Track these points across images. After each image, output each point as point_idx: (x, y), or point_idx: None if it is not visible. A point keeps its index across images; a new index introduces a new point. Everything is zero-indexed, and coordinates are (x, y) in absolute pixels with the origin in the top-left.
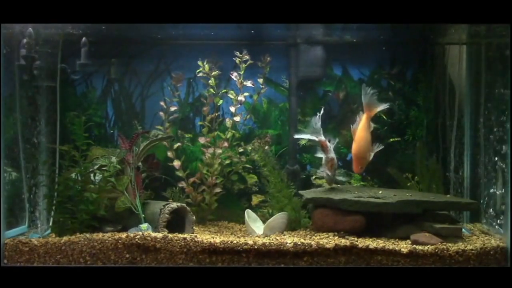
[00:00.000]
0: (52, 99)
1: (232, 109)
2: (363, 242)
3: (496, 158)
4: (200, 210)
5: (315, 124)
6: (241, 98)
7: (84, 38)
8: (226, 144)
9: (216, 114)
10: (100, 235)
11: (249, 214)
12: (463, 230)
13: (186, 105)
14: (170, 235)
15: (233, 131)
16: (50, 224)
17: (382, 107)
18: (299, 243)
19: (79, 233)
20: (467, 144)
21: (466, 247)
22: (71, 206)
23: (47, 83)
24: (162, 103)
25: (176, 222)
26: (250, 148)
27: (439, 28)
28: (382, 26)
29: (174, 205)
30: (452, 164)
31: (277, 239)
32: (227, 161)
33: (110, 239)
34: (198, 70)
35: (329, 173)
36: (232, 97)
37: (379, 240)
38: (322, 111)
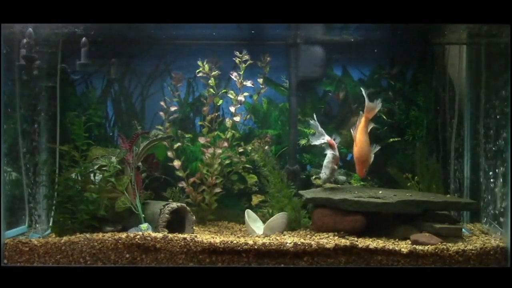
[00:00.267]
0: (52, 99)
1: (232, 109)
2: (363, 242)
3: (496, 158)
4: (200, 210)
5: (316, 128)
6: (241, 98)
7: (84, 38)
8: (226, 144)
9: (216, 114)
10: (100, 235)
11: (249, 214)
12: (463, 230)
13: (186, 105)
14: (170, 235)
15: (233, 131)
16: (50, 224)
17: (379, 106)
18: (299, 243)
19: (79, 233)
20: (467, 144)
21: (466, 247)
22: (71, 206)
23: (47, 83)
24: (162, 103)
25: (176, 222)
26: (250, 148)
27: (439, 28)
28: (382, 26)
29: (174, 205)
30: (452, 164)
31: (277, 239)
32: (227, 161)
33: (110, 239)
34: (198, 70)
35: (327, 173)
36: (232, 97)
37: (379, 240)
38: (315, 116)
